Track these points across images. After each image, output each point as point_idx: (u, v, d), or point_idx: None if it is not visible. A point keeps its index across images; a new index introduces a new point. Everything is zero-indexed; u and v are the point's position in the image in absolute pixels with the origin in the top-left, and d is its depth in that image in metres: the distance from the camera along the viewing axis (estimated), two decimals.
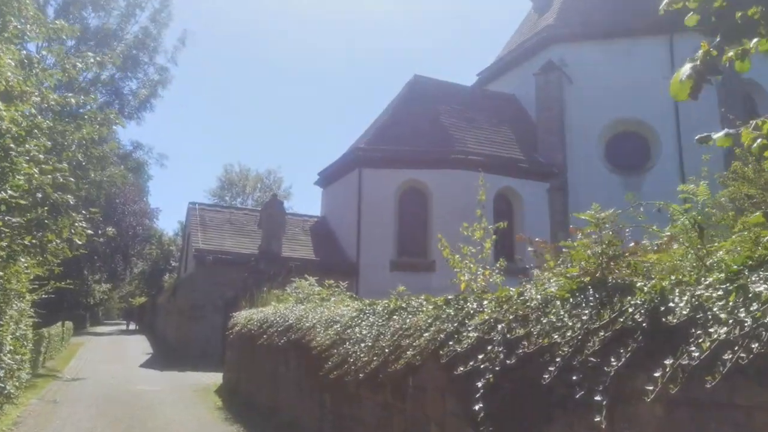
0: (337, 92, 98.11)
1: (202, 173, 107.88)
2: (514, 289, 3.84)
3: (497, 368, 3.35)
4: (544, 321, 3.16)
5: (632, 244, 3.69)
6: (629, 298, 2.74)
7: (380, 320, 5.36)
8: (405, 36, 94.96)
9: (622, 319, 2.66)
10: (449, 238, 22.07)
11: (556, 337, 3.00)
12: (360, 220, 22.36)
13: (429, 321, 4.44)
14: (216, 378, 14.11)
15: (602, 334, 2.69)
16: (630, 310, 2.67)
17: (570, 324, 2.98)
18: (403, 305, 5.23)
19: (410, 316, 4.84)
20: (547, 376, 2.91)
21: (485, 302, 3.99)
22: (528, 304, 3.44)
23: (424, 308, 4.79)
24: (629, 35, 24.11)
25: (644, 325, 2.56)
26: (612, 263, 3.18)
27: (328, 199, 25.79)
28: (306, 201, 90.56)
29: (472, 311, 4.03)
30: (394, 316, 5.14)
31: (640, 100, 23.59)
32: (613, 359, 2.64)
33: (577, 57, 24.43)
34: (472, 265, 5.31)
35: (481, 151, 22.95)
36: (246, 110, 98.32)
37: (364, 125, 31.09)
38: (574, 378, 2.87)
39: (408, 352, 4.42)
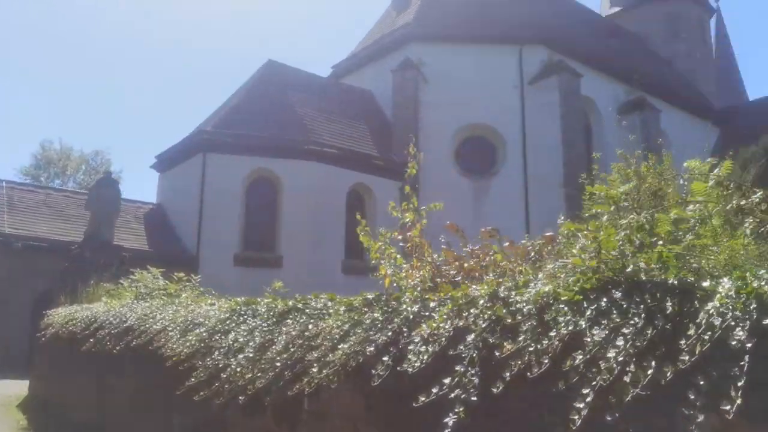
0: (177, 73, 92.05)
1: (12, 149, 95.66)
2: (478, 288, 2.90)
3: (473, 398, 2.38)
4: (553, 334, 2.25)
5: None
6: (709, 305, 1.91)
7: (266, 325, 4.16)
8: (256, 20, 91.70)
9: (707, 336, 1.82)
10: (300, 228, 20.71)
11: (579, 358, 2.09)
12: (202, 210, 20.44)
13: (345, 328, 3.36)
14: (20, 389, 11.73)
15: (686, 357, 1.82)
16: (716, 323, 1.83)
17: (599, 340, 2.09)
18: (299, 305, 4.09)
19: (313, 321, 3.72)
20: (576, 418, 1.99)
21: (432, 304, 3.02)
22: (514, 308, 2.52)
23: (333, 310, 3.70)
24: (484, 42, 24.61)
25: (749, 346, 1.73)
26: (639, 253, 2.37)
27: (166, 185, 23.40)
28: (138, 187, 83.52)
29: (412, 316, 3.03)
30: (287, 320, 3.98)
31: (491, 107, 24.17)
32: (692, 395, 1.78)
33: (434, 58, 24.47)
34: (398, 256, 4.29)
35: (336, 144, 22.11)
36: (71, 81, 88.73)
37: (208, 111, 28.88)
38: (609, 419, 1.99)
39: (314, 369, 3.30)
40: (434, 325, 2.78)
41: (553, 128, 23.62)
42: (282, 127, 21.78)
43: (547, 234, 8.35)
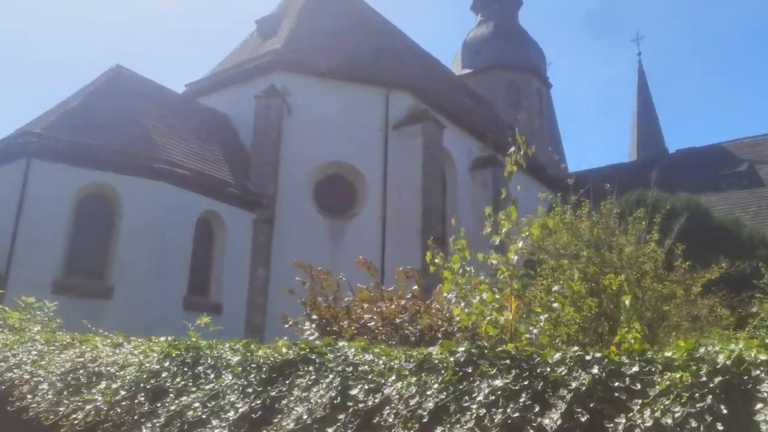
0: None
1: None
2: (717, 346, 1.81)
3: None
4: None
5: None
6: None
7: (246, 382, 2.70)
8: (103, 27, 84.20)
9: None
10: (137, 256, 18.21)
11: None
12: (18, 224, 17.05)
13: (438, 400, 2.08)
14: None
15: None
16: None
17: None
18: (312, 356, 2.68)
19: (355, 383, 2.37)
20: None
21: (626, 368, 1.86)
22: None
23: (383, 366, 2.38)
24: (352, 80, 24.05)
25: None
26: None
27: None
28: None
29: (585, 387, 1.84)
30: (297, 379, 2.56)
31: (354, 146, 23.52)
32: None
33: (300, 89, 23.36)
34: (492, 291, 3.03)
35: (188, 165, 19.91)
36: None
37: (36, 111, 25.02)
38: None
39: None
40: (675, 410, 1.64)
41: (413, 175, 23.47)
42: (127, 140, 19.18)
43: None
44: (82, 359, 3.61)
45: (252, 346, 3.03)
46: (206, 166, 20.87)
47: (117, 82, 21.28)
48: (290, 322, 8.18)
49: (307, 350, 2.75)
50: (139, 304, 17.59)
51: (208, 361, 3.04)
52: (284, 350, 2.82)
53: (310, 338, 4.38)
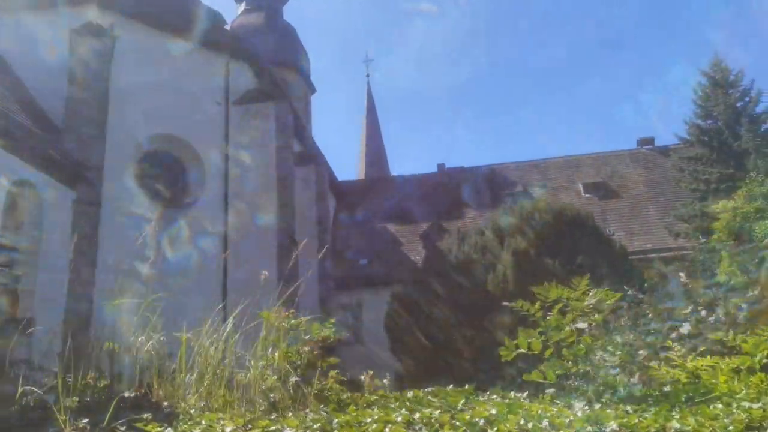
0: None
1: None
2: None
3: None
4: None
5: None
6: None
7: None
8: None
9: None
10: None
11: None
12: None
13: None
14: None
15: None
16: None
17: None
18: None
19: None
20: None
21: None
22: None
23: None
24: (191, 41, 19.27)
25: None
26: None
27: None
28: None
29: None
30: None
31: (188, 118, 18.85)
32: None
33: (128, 36, 17.73)
34: None
35: None
36: None
37: None
38: None
39: None
40: None
41: (264, 162, 19.89)
42: None
43: None
44: None
45: None
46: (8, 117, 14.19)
47: None
48: None
49: None
50: None
51: None
52: None
53: None
